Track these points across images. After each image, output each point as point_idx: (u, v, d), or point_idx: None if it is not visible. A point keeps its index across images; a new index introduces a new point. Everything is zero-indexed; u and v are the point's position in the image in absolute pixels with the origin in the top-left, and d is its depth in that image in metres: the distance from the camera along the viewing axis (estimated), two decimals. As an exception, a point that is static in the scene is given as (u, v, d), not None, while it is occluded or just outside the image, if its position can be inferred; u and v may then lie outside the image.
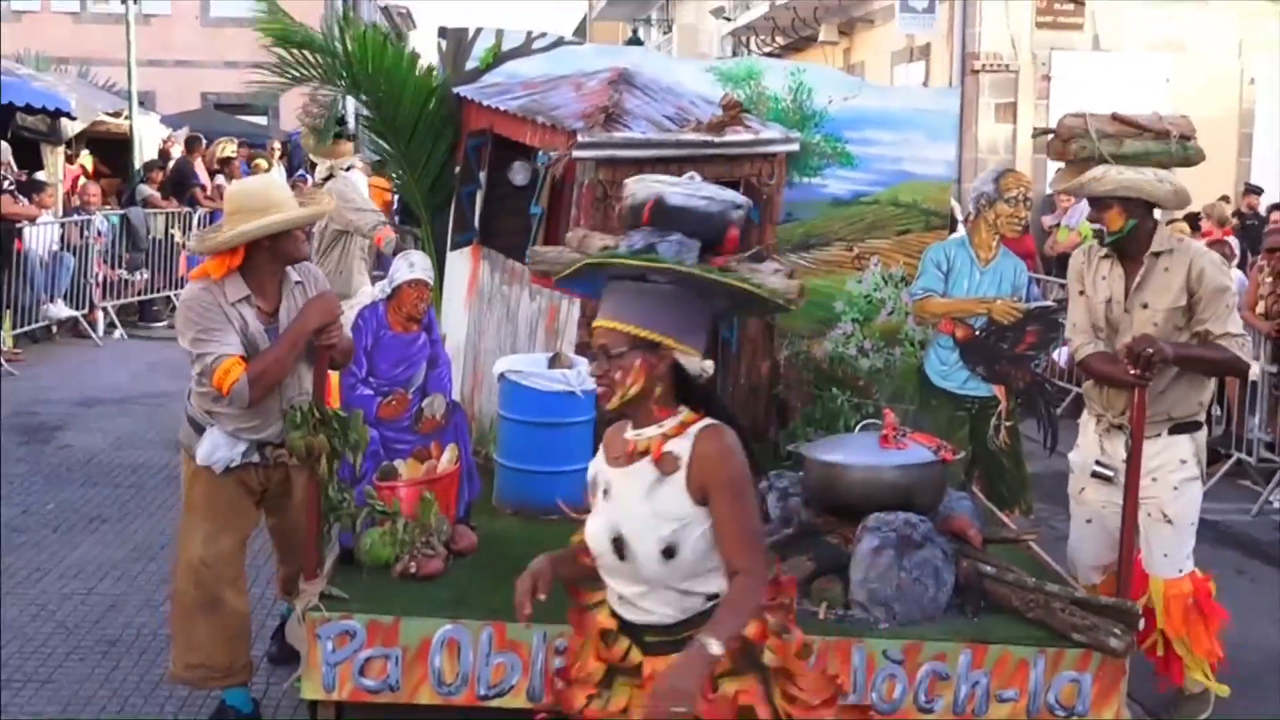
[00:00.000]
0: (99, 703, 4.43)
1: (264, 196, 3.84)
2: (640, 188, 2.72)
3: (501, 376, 5.05)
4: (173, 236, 13.26)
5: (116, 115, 14.82)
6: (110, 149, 15.10)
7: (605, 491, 2.66)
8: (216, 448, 3.94)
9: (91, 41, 20.65)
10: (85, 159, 14.71)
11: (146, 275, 13.06)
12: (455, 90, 5.98)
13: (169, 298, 12.95)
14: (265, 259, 3.85)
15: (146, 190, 14.01)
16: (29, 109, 12.41)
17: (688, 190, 2.68)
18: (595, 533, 2.65)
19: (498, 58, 6.02)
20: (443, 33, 6.08)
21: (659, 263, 2.55)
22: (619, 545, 2.56)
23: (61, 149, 13.58)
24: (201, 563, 3.95)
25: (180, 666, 4.04)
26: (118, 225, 12.77)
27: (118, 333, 12.28)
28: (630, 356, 2.53)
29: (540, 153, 5.47)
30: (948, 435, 5.17)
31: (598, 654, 2.71)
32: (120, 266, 12.64)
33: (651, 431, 2.60)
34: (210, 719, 4.15)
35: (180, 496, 4.20)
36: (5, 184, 10.41)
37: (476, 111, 5.93)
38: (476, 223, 5.98)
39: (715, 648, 2.43)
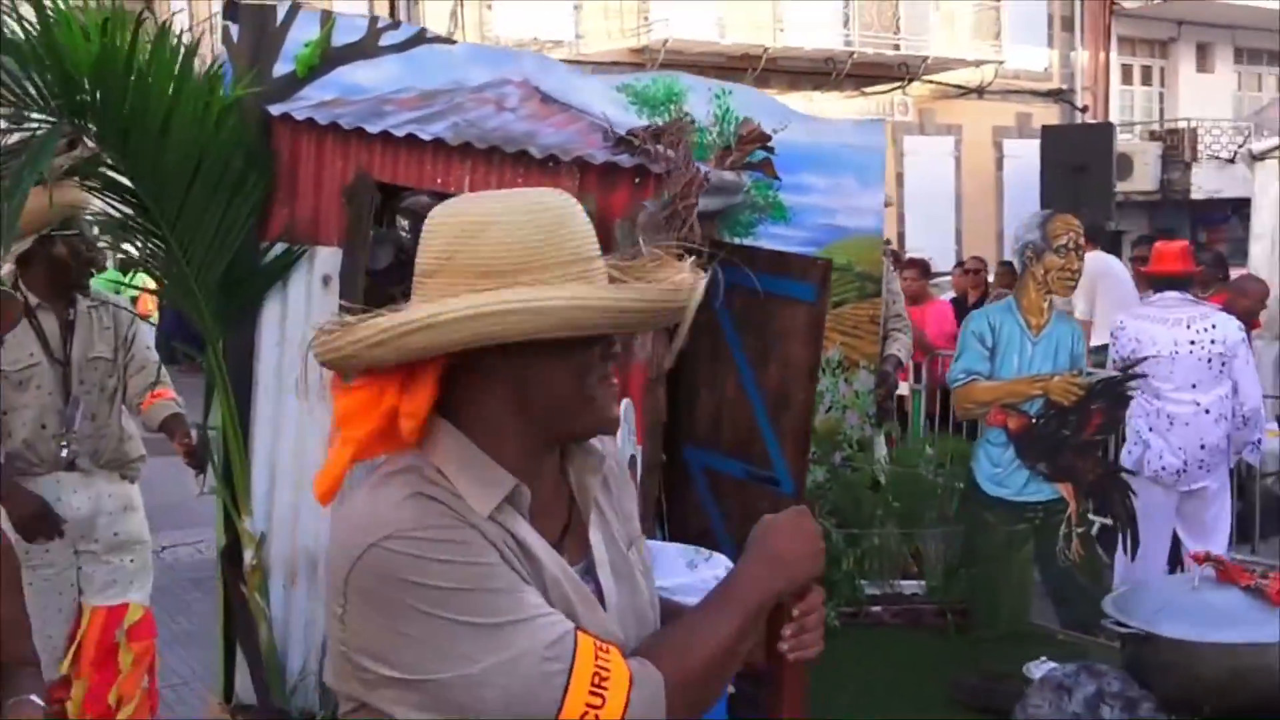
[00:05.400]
0: None
1: (540, 250, 1.34)
2: None
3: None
4: None
5: None
6: None
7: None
8: None
9: None
10: None
11: None
12: (282, 112, 3.42)
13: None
14: (510, 407, 1.40)
15: None
16: None
17: None
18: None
19: (326, 58, 3.57)
20: (231, 10, 3.45)
21: None
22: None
23: None
24: None
25: None
26: None
27: None
28: None
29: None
30: (1008, 558, 4.01)
31: None
32: None
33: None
34: None
35: None
36: None
37: (320, 146, 3.46)
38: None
39: None
